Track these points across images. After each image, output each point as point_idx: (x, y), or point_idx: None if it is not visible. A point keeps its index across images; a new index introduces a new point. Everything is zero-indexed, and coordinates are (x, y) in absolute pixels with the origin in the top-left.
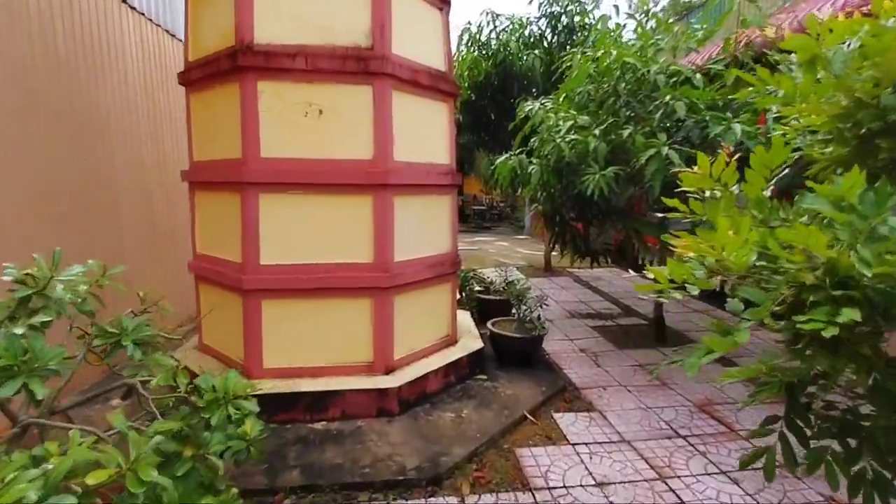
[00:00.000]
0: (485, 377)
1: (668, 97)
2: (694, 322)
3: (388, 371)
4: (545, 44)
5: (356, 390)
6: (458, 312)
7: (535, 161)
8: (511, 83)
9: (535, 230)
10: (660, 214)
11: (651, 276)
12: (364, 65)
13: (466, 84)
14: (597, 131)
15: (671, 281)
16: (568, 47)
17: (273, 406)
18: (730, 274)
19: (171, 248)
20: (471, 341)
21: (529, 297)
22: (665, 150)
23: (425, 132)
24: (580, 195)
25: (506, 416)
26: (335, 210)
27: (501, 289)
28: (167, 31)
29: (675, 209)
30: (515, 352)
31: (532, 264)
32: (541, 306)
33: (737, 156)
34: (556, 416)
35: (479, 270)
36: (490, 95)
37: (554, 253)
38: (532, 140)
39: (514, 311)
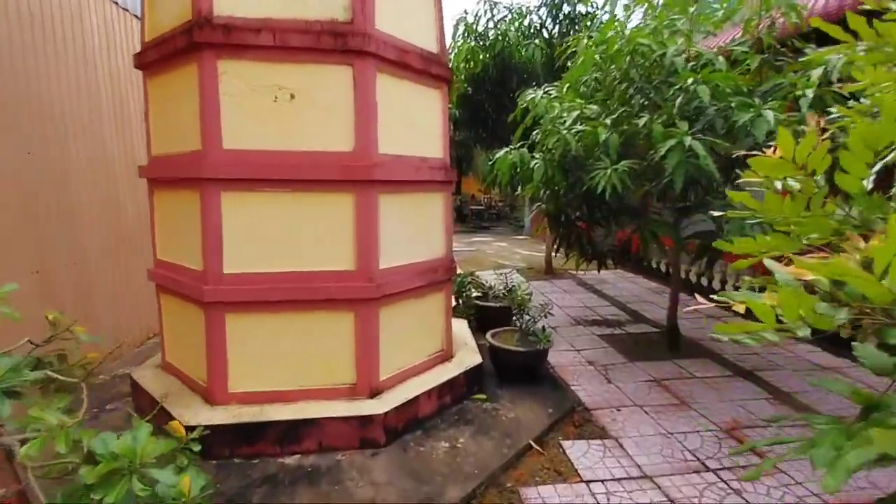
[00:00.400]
0: (484, 396)
1: (689, 80)
2: (707, 328)
3: (373, 394)
4: (545, 35)
5: (335, 418)
6: (453, 322)
7: (537, 156)
8: (510, 75)
9: (536, 232)
10: (715, 214)
11: (736, 305)
12: (342, 42)
13: (463, 77)
14: (607, 121)
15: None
16: (570, 36)
17: (237, 438)
18: (867, 305)
19: (141, 252)
20: (468, 356)
21: (532, 304)
22: (688, 140)
23: (415, 122)
24: (589, 193)
25: (508, 446)
26: (310, 210)
27: (501, 294)
28: (136, 17)
29: (725, 209)
30: (518, 367)
31: (532, 266)
32: (545, 315)
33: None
34: (566, 444)
35: (478, 274)
36: (488, 89)
37: (556, 255)
38: (534, 133)
39: (514, 318)
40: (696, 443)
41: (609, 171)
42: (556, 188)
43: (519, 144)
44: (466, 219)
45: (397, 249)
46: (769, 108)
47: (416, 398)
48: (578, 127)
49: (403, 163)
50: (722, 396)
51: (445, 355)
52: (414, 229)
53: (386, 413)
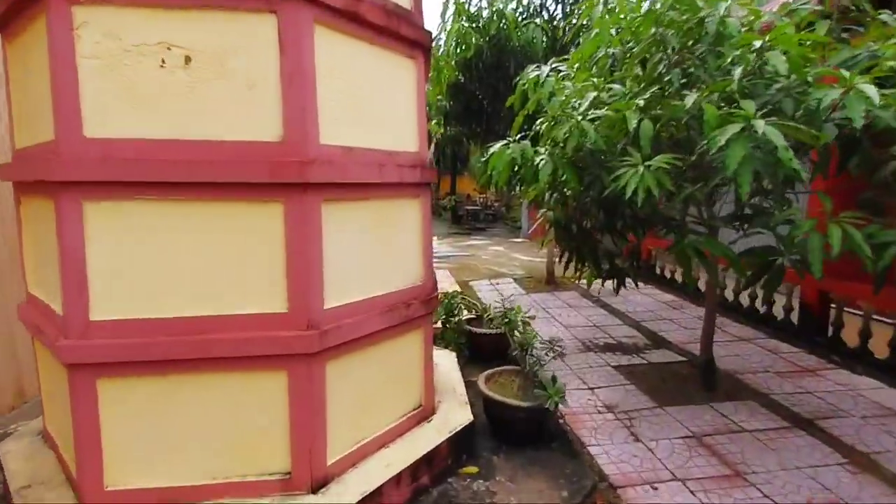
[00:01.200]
0: (475, 470)
1: (758, 43)
2: (746, 357)
3: (317, 486)
4: (546, 15)
5: None
6: (438, 355)
7: (542, 150)
8: (507, 60)
9: (542, 246)
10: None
11: None
12: None
13: (454, 62)
14: (640, 101)
15: None
16: (577, 11)
17: None
18: None
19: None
20: (455, 411)
21: (534, 329)
22: (760, 125)
23: (377, 101)
24: (615, 198)
25: None
26: (219, 227)
27: (498, 317)
28: None
29: None
30: (520, 425)
31: (532, 274)
32: (555, 356)
33: None
34: None
35: (472, 283)
36: (482, 77)
37: (559, 262)
38: (537, 122)
39: (513, 347)
40: None
41: (641, 168)
42: (565, 191)
43: (518, 136)
44: (461, 220)
45: (353, 280)
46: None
47: (380, 488)
48: (597, 112)
49: (360, 159)
50: (784, 461)
51: (424, 413)
52: (377, 250)
53: None
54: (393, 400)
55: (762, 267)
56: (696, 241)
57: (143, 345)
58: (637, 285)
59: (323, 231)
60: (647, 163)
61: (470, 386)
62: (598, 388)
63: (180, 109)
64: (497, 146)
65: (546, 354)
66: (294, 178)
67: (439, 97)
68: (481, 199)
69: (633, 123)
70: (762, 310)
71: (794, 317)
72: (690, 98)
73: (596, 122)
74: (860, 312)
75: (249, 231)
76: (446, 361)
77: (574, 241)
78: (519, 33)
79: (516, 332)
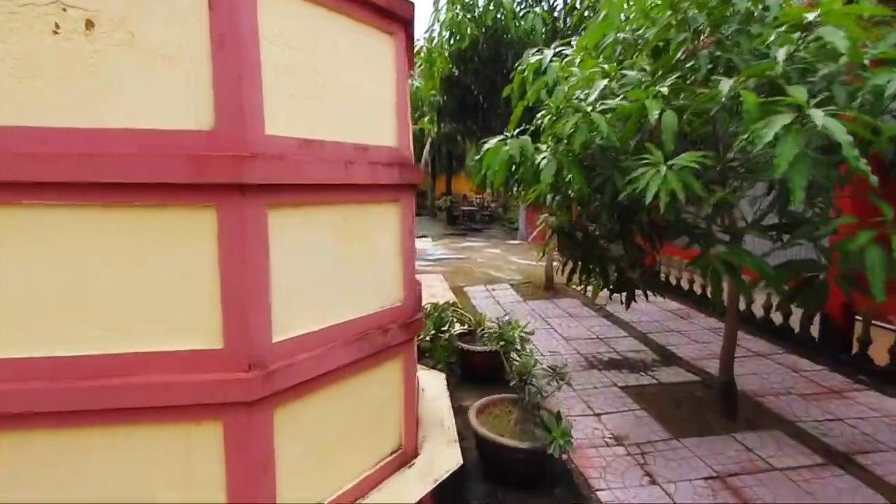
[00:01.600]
0: None
1: (811, 16)
2: (764, 376)
3: None
4: (546, 5)
5: None
6: (425, 378)
7: (544, 147)
8: (504, 52)
9: (541, 256)
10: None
11: None
12: None
13: (447, 54)
14: (664, 89)
15: None
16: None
17: None
18: None
19: None
20: (441, 450)
21: (534, 362)
22: (819, 116)
23: (344, 83)
24: (630, 202)
25: None
26: (132, 241)
27: (494, 333)
28: None
29: None
30: (517, 466)
31: (529, 279)
32: (560, 385)
33: None
34: None
35: (466, 289)
36: (478, 70)
37: (560, 273)
38: (538, 115)
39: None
40: None
41: (663, 169)
42: (570, 193)
43: (517, 131)
44: (457, 221)
45: (311, 304)
46: None
47: None
48: (608, 103)
49: (321, 154)
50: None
51: (405, 456)
52: (344, 267)
53: None
54: (365, 445)
55: (801, 284)
56: (726, 253)
57: (30, 392)
58: (647, 297)
59: (270, 245)
60: (669, 162)
61: (461, 412)
62: (606, 414)
63: (79, 89)
64: (492, 142)
65: (548, 383)
66: (228, 178)
67: (433, 92)
68: (478, 200)
69: (654, 115)
70: (778, 321)
71: (814, 330)
72: (726, 84)
73: (607, 115)
74: (891, 327)
75: (172, 246)
76: (434, 385)
77: (579, 249)
78: (517, 23)
79: (513, 354)
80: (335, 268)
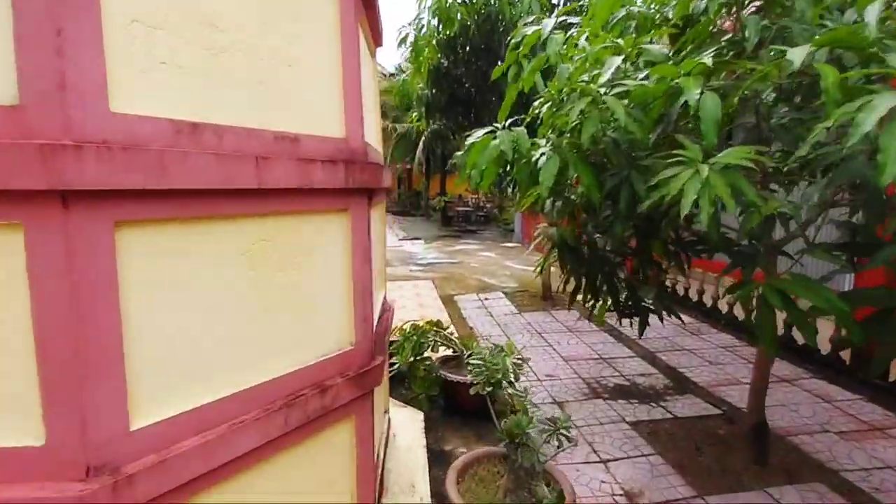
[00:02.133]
0: None
1: None
2: (794, 408)
3: None
4: None
5: None
6: (398, 419)
7: (545, 142)
8: (497, 40)
9: (539, 272)
10: None
11: None
12: None
13: (435, 42)
14: (707, 60)
15: None
16: None
17: None
18: None
19: None
20: None
21: (528, 420)
22: None
23: (257, 46)
24: (654, 211)
25: None
26: None
27: (479, 371)
28: None
29: None
30: None
31: (525, 287)
32: (564, 448)
33: None
34: None
35: (457, 298)
36: (469, 60)
37: (553, 269)
38: (536, 101)
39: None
40: None
41: (705, 169)
42: (573, 197)
43: (509, 122)
44: (452, 221)
45: (201, 366)
46: None
47: None
48: (628, 83)
49: (213, 144)
50: None
51: None
52: (259, 307)
53: None
54: None
55: (878, 318)
56: (782, 281)
57: None
58: (662, 320)
59: (125, 281)
60: (711, 160)
61: (441, 462)
62: (614, 461)
63: None
64: (479, 134)
65: (547, 440)
66: (36, 180)
67: (420, 85)
68: (473, 200)
69: (693, 96)
70: (800, 339)
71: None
72: (799, 53)
73: (623, 101)
74: None
75: None
76: (408, 430)
77: (584, 266)
78: (512, 8)
79: (505, 386)
80: (245, 310)
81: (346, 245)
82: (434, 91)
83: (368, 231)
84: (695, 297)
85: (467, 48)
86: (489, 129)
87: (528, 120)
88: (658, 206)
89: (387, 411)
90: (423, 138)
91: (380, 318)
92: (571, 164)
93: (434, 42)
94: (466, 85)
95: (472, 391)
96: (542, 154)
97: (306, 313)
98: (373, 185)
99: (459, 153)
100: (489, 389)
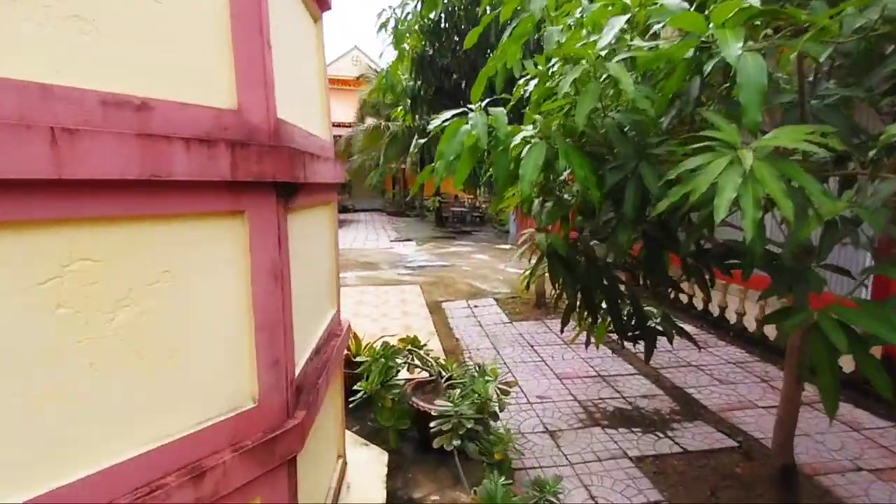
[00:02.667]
0: None
1: None
2: (818, 438)
3: None
4: None
5: None
6: (355, 464)
7: (532, 128)
8: (488, 26)
9: (527, 282)
10: None
11: None
12: None
13: (417, 27)
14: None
15: None
16: None
17: None
18: None
19: None
20: None
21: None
22: None
23: None
24: (672, 216)
25: None
26: None
27: (446, 415)
28: None
29: None
30: None
31: (518, 293)
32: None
33: None
34: None
35: (445, 305)
36: (455, 47)
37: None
38: (522, 80)
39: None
40: None
41: (749, 157)
42: (566, 196)
43: (485, 101)
44: (446, 222)
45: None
46: None
47: None
48: (641, 43)
49: None
50: None
51: None
52: (76, 362)
53: None
54: None
55: None
56: (846, 310)
57: None
58: (672, 342)
59: None
60: (753, 144)
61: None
62: None
63: None
64: (446, 116)
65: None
66: None
67: (405, 76)
68: (469, 201)
69: (733, 53)
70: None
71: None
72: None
73: (639, 66)
74: None
75: None
76: (368, 477)
77: (580, 281)
78: None
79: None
80: (49, 370)
81: (240, 264)
82: (419, 82)
83: (280, 242)
84: (700, 306)
85: (454, 34)
86: (459, 110)
87: (513, 103)
88: (677, 207)
89: (340, 456)
90: (415, 137)
91: (316, 352)
92: (562, 154)
93: (417, 27)
94: (454, 76)
95: (435, 444)
96: (526, 139)
97: (166, 366)
98: (288, 177)
99: (419, 140)
100: (457, 444)
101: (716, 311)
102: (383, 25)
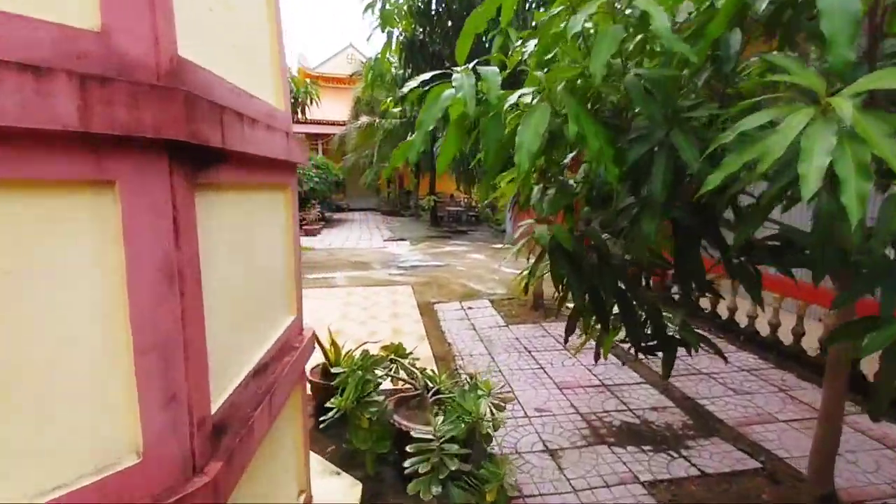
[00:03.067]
0: None
1: None
2: (854, 457)
3: None
4: None
5: None
6: (323, 493)
7: (529, 90)
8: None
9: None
10: None
11: None
12: None
13: (406, 8)
14: None
15: None
16: None
17: None
18: None
19: None
20: None
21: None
22: None
23: None
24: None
25: None
26: None
27: (423, 452)
28: None
29: None
30: None
31: (515, 295)
32: None
33: None
34: None
35: (437, 306)
36: (448, 32)
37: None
38: (519, 44)
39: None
40: None
41: (846, 106)
42: (571, 183)
43: (472, 62)
44: (441, 222)
45: None
46: None
47: None
48: None
49: None
50: None
51: None
52: None
53: None
54: None
55: None
56: None
57: None
58: (691, 353)
59: None
60: (845, 90)
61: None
62: None
63: None
64: (425, 77)
65: None
66: None
67: (395, 64)
68: (465, 200)
69: None
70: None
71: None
72: None
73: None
74: None
75: None
76: None
77: (587, 282)
78: None
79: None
80: None
81: (110, 259)
82: (409, 70)
83: (179, 229)
84: (707, 307)
85: (447, 18)
86: (440, 71)
87: (510, 70)
88: (723, 187)
89: (303, 491)
90: (409, 132)
91: (255, 373)
92: (572, 118)
93: (406, 9)
94: (447, 64)
95: (410, 490)
96: (523, 97)
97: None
98: (186, 135)
99: (394, 107)
100: (436, 492)
101: (724, 314)
102: (370, 6)
